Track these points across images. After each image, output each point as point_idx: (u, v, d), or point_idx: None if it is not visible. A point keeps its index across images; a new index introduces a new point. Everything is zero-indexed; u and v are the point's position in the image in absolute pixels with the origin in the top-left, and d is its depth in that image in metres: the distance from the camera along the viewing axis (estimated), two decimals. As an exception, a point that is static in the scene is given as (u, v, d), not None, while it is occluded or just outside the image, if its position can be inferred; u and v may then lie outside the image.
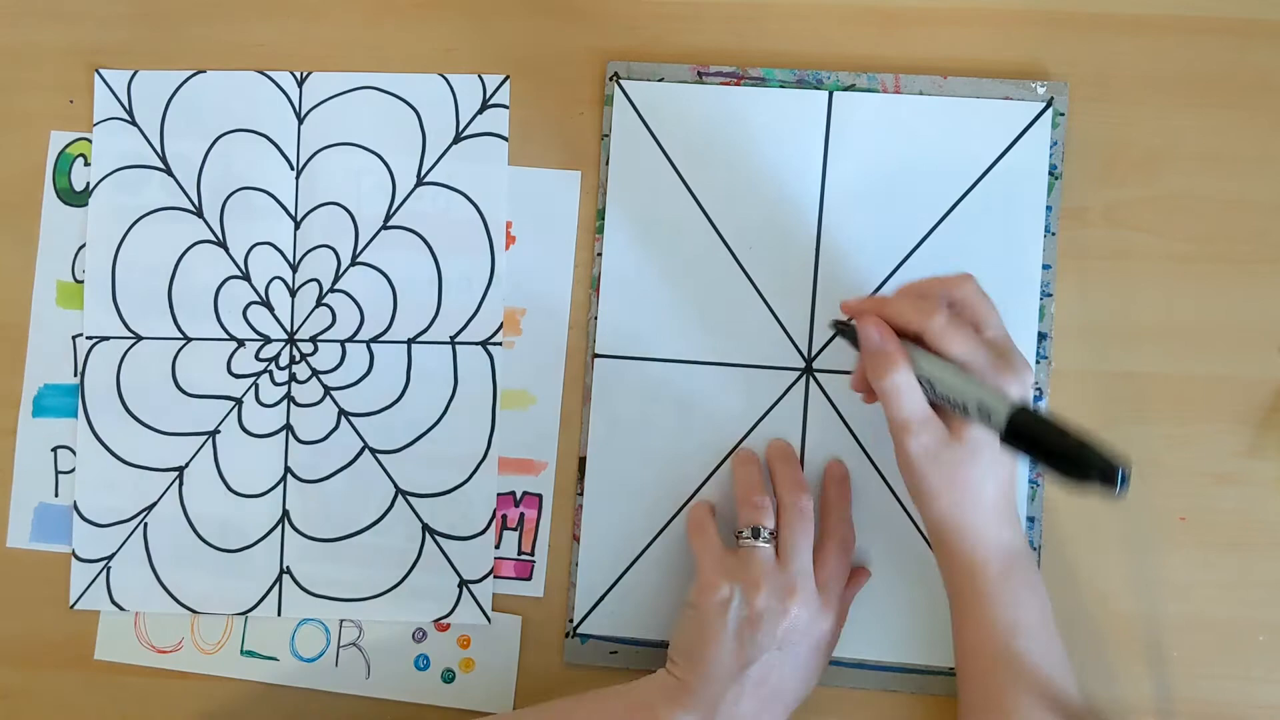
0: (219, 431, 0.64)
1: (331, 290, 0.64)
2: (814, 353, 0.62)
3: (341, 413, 0.64)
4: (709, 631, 0.55)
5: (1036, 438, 0.48)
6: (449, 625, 0.63)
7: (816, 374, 0.62)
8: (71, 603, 0.64)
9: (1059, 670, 0.54)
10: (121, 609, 0.64)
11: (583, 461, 0.63)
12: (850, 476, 0.61)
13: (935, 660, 0.61)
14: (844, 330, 0.57)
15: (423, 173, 0.65)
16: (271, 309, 0.65)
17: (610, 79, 0.64)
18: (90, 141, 0.65)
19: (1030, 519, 0.61)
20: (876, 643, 0.61)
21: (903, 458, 0.54)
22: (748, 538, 0.57)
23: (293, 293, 0.65)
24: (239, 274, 0.65)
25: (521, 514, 0.63)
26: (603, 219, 0.64)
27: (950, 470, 0.53)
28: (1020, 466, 0.59)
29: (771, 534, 0.57)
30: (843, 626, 0.59)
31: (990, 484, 0.53)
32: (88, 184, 0.65)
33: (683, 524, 0.62)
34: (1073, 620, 0.61)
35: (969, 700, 0.56)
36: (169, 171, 0.65)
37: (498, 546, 0.63)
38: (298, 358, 0.64)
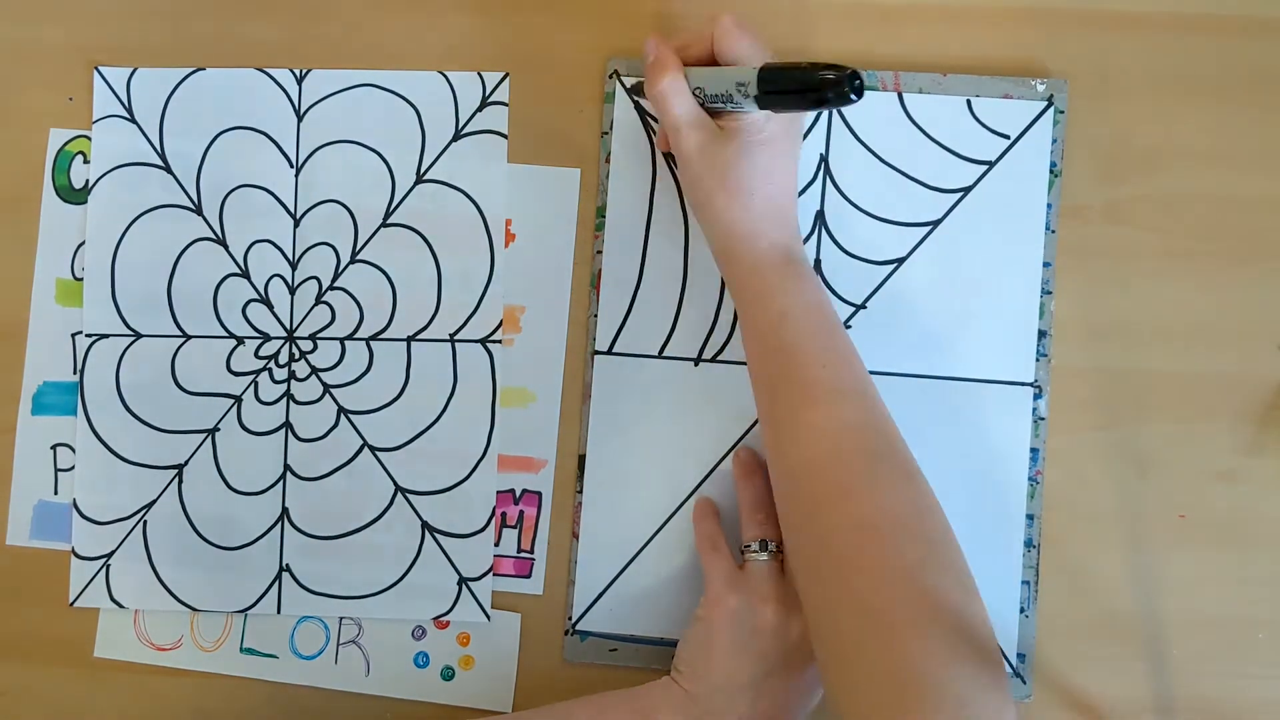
0: (218, 429, 0.64)
1: (331, 288, 0.64)
2: (814, 350, 0.62)
3: (341, 410, 0.64)
4: (717, 643, 0.55)
5: (783, 84, 0.51)
6: (448, 623, 0.63)
7: (816, 371, 0.62)
8: (71, 600, 0.64)
9: (829, 354, 0.54)
10: (121, 607, 0.64)
11: (582, 459, 0.63)
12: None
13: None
14: (632, 92, 0.63)
15: (422, 170, 0.65)
16: (271, 307, 0.65)
17: (610, 76, 0.64)
18: (89, 139, 0.65)
19: (1030, 517, 0.61)
20: (876, 640, 0.61)
21: (681, 163, 0.56)
22: (755, 551, 0.57)
23: (292, 290, 0.65)
24: (238, 272, 0.65)
25: (521, 512, 0.63)
26: (603, 216, 0.64)
27: (724, 168, 0.55)
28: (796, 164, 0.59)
29: (777, 546, 0.57)
30: None
31: (763, 182, 0.55)
32: (87, 181, 0.65)
33: (683, 522, 0.62)
34: (1071, 618, 0.61)
35: (759, 406, 0.56)
36: (168, 169, 0.65)
37: (497, 544, 0.63)
38: (297, 355, 0.64)
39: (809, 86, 0.50)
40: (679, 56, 0.56)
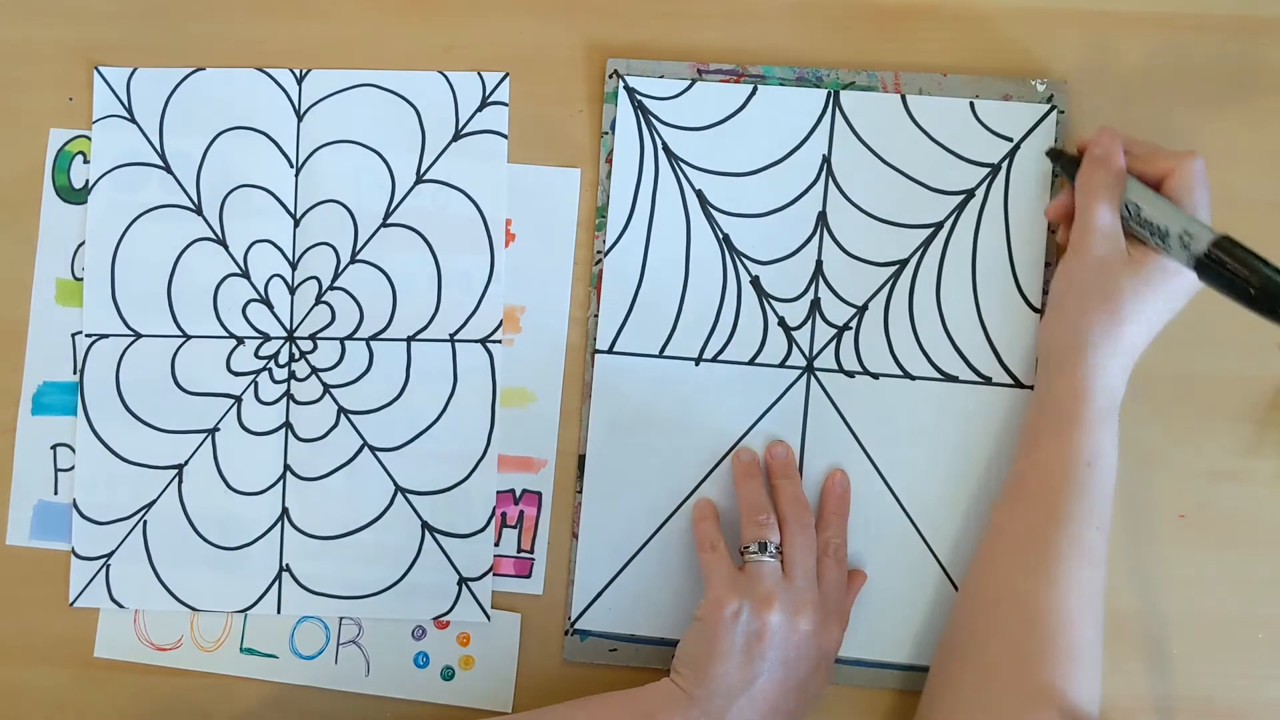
0: (218, 429, 0.64)
1: (331, 288, 0.64)
2: (815, 351, 0.62)
3: (341, 410, 0.64)
4: (717, 645, 0.55)
5: (1234, 267, 0.49)
6: (448, 623, 0.63)
7: (817, 373, 0.62)
8: (71, 600, 0.64)
9: (1105, 520, 0.55)
10: (121, 606, 0.64)
11: (582, 459, 0.63)
12: (850, 487, 0.62)
13: (935, 658, 0.61)
14: (1058, 156, 0.60)
15: (422, 170, 0.65)
16: (271, 307, 0.65)
17: (610, 76, 0.64)
18: (89, 139, 0.65)
19: (1030, 516, 0.61)
20: (876, 643, 0.61)
21: (1072, 259, 0.56)
22: (754, 553, 0.57)
23: (292, 290, 0.65)
24: (238, 272, 0.65)
25: (521, 511, 0.63)
26: (603, 216, 0.64)
27: (1114, 291, 0.54)
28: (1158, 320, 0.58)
29: (777, 549, 0.57)
30: (844, 632, 0.59)
31: (1140, 325, 0.55)
32: (87, 181, 0.65)
33: (683, 522, 0.62)
34: (1072, 618, 0.61)
35: (1008, 525, 0.56)
36: (168, 169, 0.65)
37: (497, 544, 0.63)
38: (297, 355, 0.64)
39: (1258, 287, 0.48)
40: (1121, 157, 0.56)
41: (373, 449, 0.64)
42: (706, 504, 0.61)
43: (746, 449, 0.62)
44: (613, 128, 0.64)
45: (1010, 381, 0.62)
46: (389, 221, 0.64)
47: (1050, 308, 0.58)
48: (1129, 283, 0.54)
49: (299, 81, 0.65)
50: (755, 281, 0.63)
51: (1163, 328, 0.56)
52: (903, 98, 0.63)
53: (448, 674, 0.63)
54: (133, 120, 0.65)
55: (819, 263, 0.63)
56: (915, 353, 0.62)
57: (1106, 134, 0.57)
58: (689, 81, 0.63)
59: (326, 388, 0.64)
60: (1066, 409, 0.55)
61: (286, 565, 0.63)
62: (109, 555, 0.64)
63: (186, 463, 0.64)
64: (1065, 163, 0.59)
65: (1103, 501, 0.55)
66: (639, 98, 0.63)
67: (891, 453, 0.62)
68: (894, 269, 0.62)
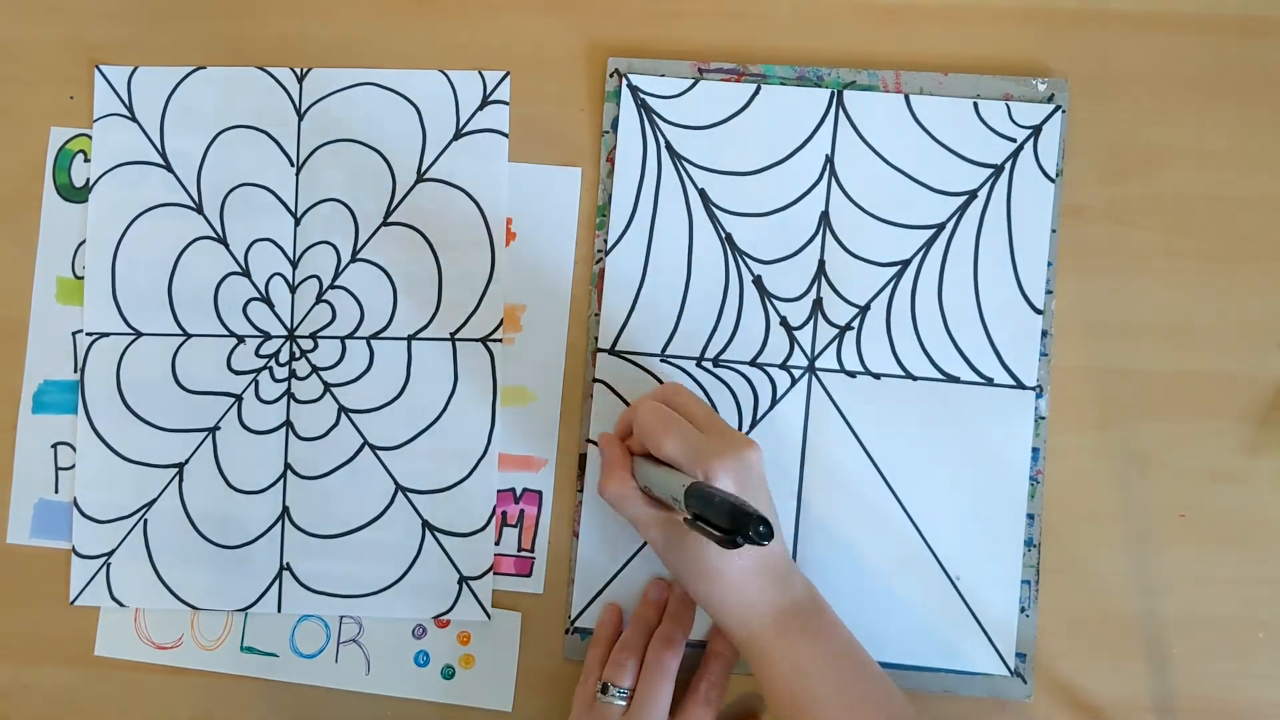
0: (219, 428, 0.64)
1: (331, 286, 0.64)
2: (816, 351, 0.62)
3: (341, 409, 0.64)
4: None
5: (703, 513, 0.49)
6: (449, 622, 0.63)
7: (819, 373, 0.62)
8: (71, 599, 0.64)
9: (854, 703, 0.53)
10: (121, 605, 0.64)
11: (583, 458, 0.63)
12: None
13: (934, 660, 0.61)
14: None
15: (423, 169, 0.65)
16: (271, 305, 0.64)
17: (612, 75, 0.64)
18: (90, 138, 0.65)
19: (1030, 516, 0.61)
20: (877, 643, 0.61)
21: (667, 560, 0.56)
22: (601, 693, 0.57)
23: (293, 289, 0.65)
24: (239, 270, 0.65)
25: (521, 510, 0.63)
26: (604, 215, 0.64)
27: (691, 557, 0.54)
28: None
29: (628, 691, 0.57)
30: None
31: (730, 560, 0.53)
32: (88, 180, 0.65)
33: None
34: (1072, 618, 0.61)
35: None
36: (169, 168, 0.65)
37: (497, 543, 0.63)
38: (298, 354, 0.64)
39: (728, 520, 0.47)
40: (628, 447, 0.57)
41: (373, 448, 0.64)
42: (602, 626, 0.62)
43: (657, 585, 0.62)
44: (614, 126, 0.64)
45: (1012, 382, 0.62)
46: (390, 220, 0.64)
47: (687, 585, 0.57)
48: (694, 543, 0.54)
49: (300, 80, 0.65)
50: (757, 281, 0.63)
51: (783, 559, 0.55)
52: (906, 97, 0.63)
53: (448, 673, 0.63)
54: (133, 119, 0.65)
55: (821, 263, 0.63)
56: (917, 353, 0.62)
57: (602, 439, 0.58)
58: (691, 81, 0.63)
59: (327, 386, 0.64)
60: (754, 649, 0.54)
61: (287, 564, 0.63)
62: (109, 554, 0.64)
63: (187, 461, 0.64)
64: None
65: (842, 693, 0.53)
66: (642, 96, 0.63)
67: (892, 453, 0.62)
68: (896, 269, 0.62)
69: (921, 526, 0.61)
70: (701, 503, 0.49)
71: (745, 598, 0.54)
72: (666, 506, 0.55)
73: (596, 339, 0.63)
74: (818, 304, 0.63)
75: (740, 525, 0.47)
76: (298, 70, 0.65)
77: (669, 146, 0.63)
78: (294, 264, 0.65)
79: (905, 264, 0.62)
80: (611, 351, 0.63)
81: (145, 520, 0.64)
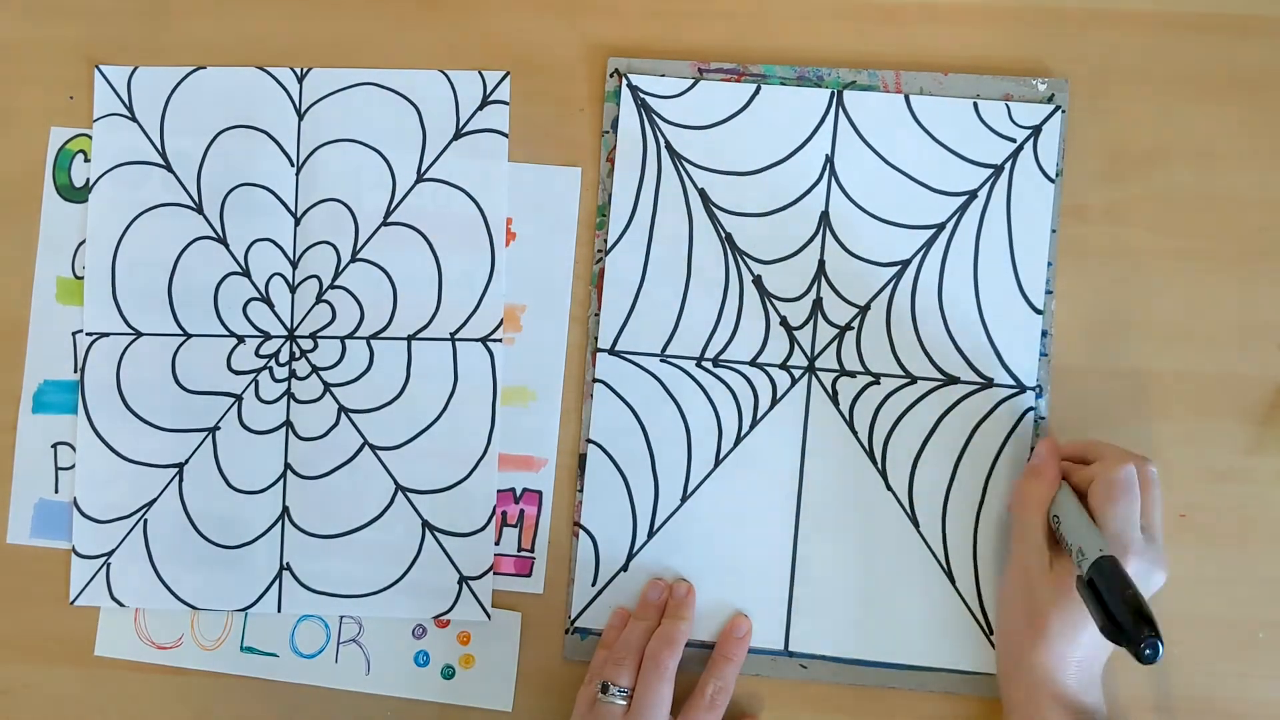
0: (219, 428, 0.64)
1: (331, 286, 0.64)
2: (816, 351, 0.62)
3: (341, 409, 0.64)
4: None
5: (1105, 589, 0.48)
6: (449, 621, 0.63)
7: (819, 373, 0.62)
8: (71, 599, 0.64)
9: None
10: (121, 605, 0.64)
11: (582, 459, 0.63)
12: (753, 632, 0.61)
13: (941, 661, 0.61)
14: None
15: (423, 169, 0.65)
16: (271, 305, 0.64)
17: (611, 75, 0.64)
18: (90, 138, 0.65)
19: (1030, 516, 0.61)
20: (882, 643, 0.61)
21: (1010, 570, 0.57)
22: (601, 693, 0.57)
23: (293, 289, 0.65)
24: (239, 270, 0.65)
25: (521, 510, 0.63)
26: (604, 215, 0.64)
27: (1037, 606, 0.54)
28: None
29: (628, 690, 0.57)
30: None
31: (1068, 636, 0.53)
32: (88, 180, 0.65)
33: (683, 521, 0.62)
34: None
35: None
36: (169, 168, 0.65)
37: (497, 543, 0.63)
38: (298, 354, 0.64)
39: (1115, 621, 0.47)
40: (1062, 463, 0.57)
41: (373, 448, 0.64)
42: (610, 629, 0.62)
43: (656, 585, 0.62)
44: (614, 126, 0.64)
45: (1011, 383, 0.62)
46: (390, 220, 0.64)
47: (998, 610, 0.59)
48: (1046, 593, 0.54)
49: (300, 80, 0.65)
50: (757, 281, 0.63)
51: (1109, 643, 0.51)
52: (906, 97, 0.63)
53: (448, 673, 0.63)
54: (133, 119, 0.65)
55: (821, 263, 0.63)
56: (917, 353, 0.62)
57: (1045, 444, 0.58)
58: (691, 81, 0.63)
59: (327, 386, 0.64)
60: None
61: (287, 564, 0.63)
62: (109, 554, 0.64)
63: (187, 461, 0.64)
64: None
65: None
66: (642, 96, 0.63)
67: (892, 453, 0.62)
68: (896, 269, 0.62)
69: (921, 526, 0.61)
70: (1109, 581, 0.48)
71: (1056, 675, 0.54)
72: (1055, 542, 0.55)
73: (596, 339, 0.63)
74: (818, 304, 0.63)
75: (1134, 628, 0.46)
76: (298, 70, 0.65)
77: (669, 146, 0.63)
78: (294, 264, 0.65)
79: (905, 264, 0.62)
80: (611, 351, 0.63)
81: (145, 520, 0.64)
